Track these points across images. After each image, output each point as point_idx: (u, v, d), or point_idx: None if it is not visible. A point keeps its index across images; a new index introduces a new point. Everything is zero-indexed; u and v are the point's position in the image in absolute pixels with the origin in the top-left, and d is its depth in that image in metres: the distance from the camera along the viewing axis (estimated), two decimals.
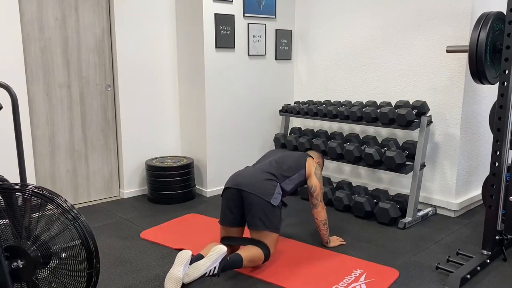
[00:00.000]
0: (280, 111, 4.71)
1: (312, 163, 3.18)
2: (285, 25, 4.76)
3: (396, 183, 4.18)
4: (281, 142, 4.54)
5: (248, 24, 4.41)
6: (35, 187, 2.10)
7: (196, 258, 2.72)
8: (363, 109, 3.87)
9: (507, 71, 2.75)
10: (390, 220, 3.59)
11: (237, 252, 2.75)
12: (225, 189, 2.95)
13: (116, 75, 4.20)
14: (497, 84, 3.30)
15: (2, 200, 2.09)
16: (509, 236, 3.04)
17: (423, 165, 3.64)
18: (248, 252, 2.76)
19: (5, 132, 3.64)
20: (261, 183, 2.87)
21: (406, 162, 3.64)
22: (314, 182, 3.11)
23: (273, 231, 2.84)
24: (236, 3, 4.29)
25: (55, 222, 2.08)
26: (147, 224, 3.67)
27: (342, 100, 4.48)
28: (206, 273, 2.52)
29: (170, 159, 4.41)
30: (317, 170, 3.17)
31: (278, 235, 2.89)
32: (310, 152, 3.44)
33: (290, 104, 4.69)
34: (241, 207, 2.88)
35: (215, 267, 2.54)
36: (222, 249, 2.59)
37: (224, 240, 2.95)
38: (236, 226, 2.92)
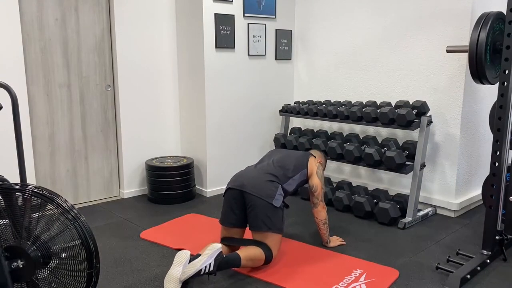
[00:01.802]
0: (280, 111, 4.71)
1: (314, 162, 3.18)
2: (285, 25, 4.76)
3: (396, 183, 4.18)
4: (281, 142, 4.54)
5: (248, 24, 4.41)
6: (35, 187, 2.10)
7: (195, 258, 2.72)
8: (363, 109, 3.87)
9: (507, 71, 2.75)
10: (390, 220, 3.59)
11: (236, 251, 2.75)
12: (227, 189, 2.95)
13: (116, 75, 4.20)
14: (497, 84, 3.30)
15: (2, 200, 2.09)
16: (509, 236, 3.04)
17: (423, 165, 3.64)
18: (247, 252, 2.76)
19: (5, 132, 3.64)
20: (263, 185, 2.86)
21: (406, 162, 3.64)
22: (316, 182, 3.11)
23: (276, 232, 2.83)
24: (236, 3, 4.29)
25: (55, 222, 2.08)
26: (147, 224, 3.67)
27: (342, 100, 4.48)
28: (201, 269, 2.51)
29: (170, 159, 4.41)
30: (319, 169, 3.17)
31: (281, 236, 2.89)
32: (313, 151, 3.43)
33: (290, 104, 4.69)
34: (243, 208, 2.88)
35: (210, 264, 2.54)
36: (217, 245, 2.60)
37: (224, 241, 2.95)
38: (237, 227, 2.92)
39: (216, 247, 2.60)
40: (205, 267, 2.53)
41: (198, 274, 2.53)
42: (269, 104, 4.78)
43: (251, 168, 3.07)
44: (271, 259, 2.82)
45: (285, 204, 3.01)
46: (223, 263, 2.62)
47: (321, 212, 3.13)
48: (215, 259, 2.57)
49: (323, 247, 3.20)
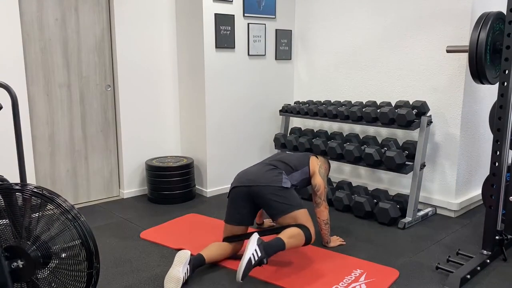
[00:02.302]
0: (280, 111, 4.71)
1: (316, 162, 3.18)
2: (285, 25, 4.76)
3: (396, 183, 4.18)
4: (281, 142, 4.54)
5: (248, 24, 4.41)
6: (35, 187, 2.10)
7: (196, 258, 2.72)
8: (363, 109, 3.87)
9: (507, 71, 2.75)
10: (390, 220, 3.59)
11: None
12: (233, 188, 2.95)
13: (116, 75, 4.20)
14: (497, 84, 3.30)
15: (2, 200, 2.09)
16: (509, 236, 3.04)
17: (423, 165, 3.64)
18: (285, 232, 2.73)
19: (5, 132, 3.64)
20: (266, 174, 2.88)
21: (406, 162, 3.64)
22: (318, 181, 3.11)
23: (299, 208, 2.83)
24: (236, 3, 4.29)
25: (55, 222, 2.08)
26: (147, 224, 3.67)
27: (342, 100, 4.48)
28: (250, 257, 2.48)
29: (170, 159, 4.41)
30: (321, 168, 3.18)
31: (306, 211, 2.87)
32: (317, 156, 3.42)
33: (290, 104, 4.69)
34: (250, 205, 2.89)
35: (256, 250, 2.51)
36: (255, 234, 2.60)
37: (228, 239, 2.94)
38: (241, 225, 2.92)
39: (254, 236, 2.59)
40: (253, 254, 2.50)
41: (250, 264, 2.47)
42: (269, 104, 4.78)
43: (251, 167, 3.08)
44: (311, 235, 2.78)
45: (295, 185, 3.01)
46: (267, 247, 2.59)
47: (323, 212, 3.13)
48: (258, 245, 2.55)
49: (323, 247, 3.20)
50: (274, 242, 2.65)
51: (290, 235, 2.71)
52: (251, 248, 2.52)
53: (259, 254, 2.52)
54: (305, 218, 2.82)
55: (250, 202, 2.88)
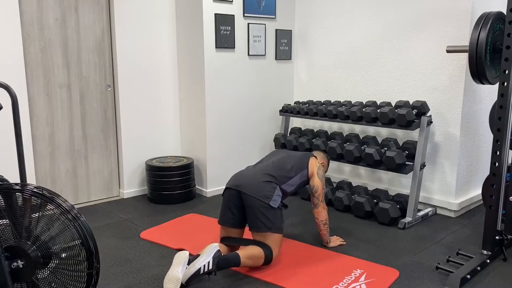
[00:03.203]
0: (280, 111, 4.71)
1: (315, 163, 3.17)
2: (285, 25, 4.76)
3: (396, 183, 4.18)
4: (281, 142, 4.54)
5: (248, 24, 4.41)
6: (35, 187, 2.10)
7: (194, 258, 2.72)
8: (363, 109, 3.87)
9: (507, 71, 2.75)
10: (390, 220, 3.59)
11: (236, 251, 2.75)
12: (226, 189, 2.95)
13: (116, 75, 4.20)
14: (497, 84, 3.30)
15: (2, 200, 2.09)
16: (509, 236, 3.04)
17: (423, 165, 3.64)
18: (246, 251, 2.76)
19: (5, 132, 3.63)
20: (260, 186, 2.85)
21: (406, 162, 3.64)
22: (316, 182, 3.10)
23: (275, 232, 2.83)
24: (236, 3, 4.29)
25: (55, 222, 2.08)
26: (147, 224, 3.67)
27: (342, 100, 4.48)
28: (200, 268, 2.53)
29: (170, 159, 4.41)
30: (320, 170, 3.16)
31: (281, 236, 2.88)
32: (315, 152, 3.41)
33: (290, 104, 4.69)
34: (241, 208, 2.88)
35: (208, 262, 2.56)
36: (214, 244, 2.63)
37: (224, 241, 2.95)
38: (235, 227, 2.92)
39: (213, 246, 2.62)
40: (204, 265, 2.54)
41: (198, 273, 2.53)
42: (269, 104, 4.78)
43: (250, 168, 3.07)
44: (271, 259, 2.81)
45: (284, 204, 3.00)
46: (222, 262, 2.62)
47: (321, 213, 3.13)
48: (213, 258, 2.58)
49: (323, 247, 3.20)
50: (231, 258, 2.68)
51: (250, 256, 2.74)
52: (205, 259, 2.56)
53: (210, 267, 2.56)
54: (275, 243, 2.82)
55: (241, 205, 2.88)
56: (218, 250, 2.63)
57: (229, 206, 2.90)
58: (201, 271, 2.54)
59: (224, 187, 4.44)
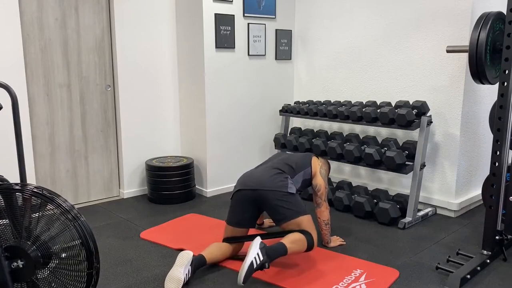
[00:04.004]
0: (280, 111, 4.71)
1: (317, 162, 3.19)
2: (285, 25, 4.76)
3: (396, 183, 4.18)
4: (281, 142, 4.54)
5: (248, 24, 4.41)
6: (35, 187, 2.10)
7: (197, 259, 2.72)
8: (363, 109, 3.87)
9: (507, 71, 2.75)
10: (390, 220, 3.59)
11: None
12: (237, 191, 2.92)
13: (116, 75, 4.20)
14: (497, 84, 3.30)
15: (2, 200, 2.09)
16: (509, 236, 3.04)
17: (423, 165, 3.64)
18: (287, 238, 2.73)
19: (5, 132, 3.63)
20: (273, 178, 2.87)
21: (406, 162, 3.64)
22: (319, 181, 3.12)
23: (304, 214, 2.83)
24: (236, 3, 4.29)
25: (55, 222, 2.08)
26: (147, 224, 3.67)
27: (342, 100, 4.48)
28: (252, 261, 2.48)
29: (170, 159, 4.41)
30: (322, 169, 3.19)
31: (310, 217, 2.87)
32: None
33: (290, 104, 4.69)
34: (254, 208, 2.88)
35: (258, 254, 2.52)
36: (258, 238, 2.60)
37: (229, 240, 2.94)
38: (243, 227, 2.91)
39: (257, 239, 2.59)
40: (255, 258, 2.50)
41: (252, 268, 2.47)
42: (269, 104, 4.78)
43: (255, 169, 3.07)
44: (313, 241, 2.78)
45: (299, 190, 3.01)
46: (270, 251, 2.59)
47: (324, 212, 3.13)
48: (261, 248, 2.55)
49: (324, 247, 3.20)
50: (276, 246, 2.65)
51: (292, 241, 2.71)
52: (254, 252, 2.52)
53: (261, 258, 2.53)
54: (309, 225, 2.82)
55: (254, 206, 2.87)
56: (262, 242, 2.61)
57: (241, 207, 2.88)
58: (254, 265, 2.49)
59: (224, 187, 4.50)
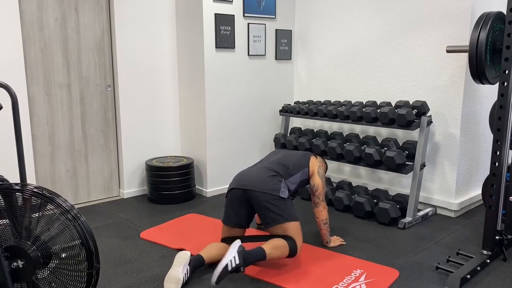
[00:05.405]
0: (280, 111, 4.71)
1: (315, 162, 3.18)
2: (285, 25, 4.76)
3: (396, 183, 4.18)
4: (281, 142, 4.54)
5: (248, 24, 4.41)
6: (35, 187, 2.10)
7: (195, 258, 2.72)
8: (363, 109, 3.87)
9: (507, 71, 2.75)
10: (390, 220, 3.59)
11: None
12: (230, 190, 2.94)
13: (116, 75, 4.20)
14: (497, 84, 3.30)
15: (2, 200, 2.09)
16: (509, 236, 3.04)
17: (423, 165, 3.64)
18: (269, 243, 2.73)
19: (5, 132, 3.63)
20: (266, 180, 2.86)
21: (406, 162, 3.64)
22: (317, 181, 3.11)
23: (292, 220, 2.82)
24: (236, 3, 4.29)
25: (55, 222, 2.08)
26: (147, 224, 3.67)
27: (342, 100, 4.48)
28: (227, 264, 2.49)
29: (170, 159, 4.42)
30: (320, 169, 3.17)
31: (299, 224, 2.86)
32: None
33: (290, 104, 4.69)
34: (248, 208, 2.88)
35: (234, 257, 2.53)
36: (237, 241, 2.61)
37: (226, 240, 2.94)
38: (239, 227, 2.92)
39: (236, 242, 2.60)
40: (230, 261, 2.51)
41: (226, 270, 2.49)
42: (269, 104, 4.78)
43: (251, 168, 3.07)
44: (296, 248, 2.78)
45: (292, 195, 2.99)
46: (247, 255, 2.60)
47: (322, 212, 3.13)
48: (238, 252, 2.56)
49: (323, 247, 3.20)
50: (255, 251, 2.65)
51: (273, 246, 2.71)
52: (230, 255, 2.54)
53: (237, 262, 2.54)
54: (294, 231, 2.81)
55: (247, 205, 2.88)
56: (241, 245, 2.61)
57: (235, 206, 2.89)
58: (229, 268, 2.50)
59: (224, 187, 4.50)
